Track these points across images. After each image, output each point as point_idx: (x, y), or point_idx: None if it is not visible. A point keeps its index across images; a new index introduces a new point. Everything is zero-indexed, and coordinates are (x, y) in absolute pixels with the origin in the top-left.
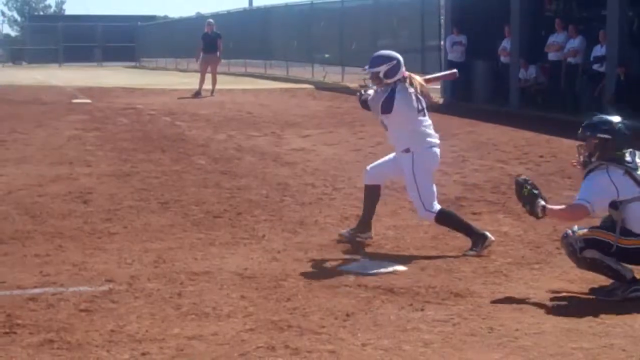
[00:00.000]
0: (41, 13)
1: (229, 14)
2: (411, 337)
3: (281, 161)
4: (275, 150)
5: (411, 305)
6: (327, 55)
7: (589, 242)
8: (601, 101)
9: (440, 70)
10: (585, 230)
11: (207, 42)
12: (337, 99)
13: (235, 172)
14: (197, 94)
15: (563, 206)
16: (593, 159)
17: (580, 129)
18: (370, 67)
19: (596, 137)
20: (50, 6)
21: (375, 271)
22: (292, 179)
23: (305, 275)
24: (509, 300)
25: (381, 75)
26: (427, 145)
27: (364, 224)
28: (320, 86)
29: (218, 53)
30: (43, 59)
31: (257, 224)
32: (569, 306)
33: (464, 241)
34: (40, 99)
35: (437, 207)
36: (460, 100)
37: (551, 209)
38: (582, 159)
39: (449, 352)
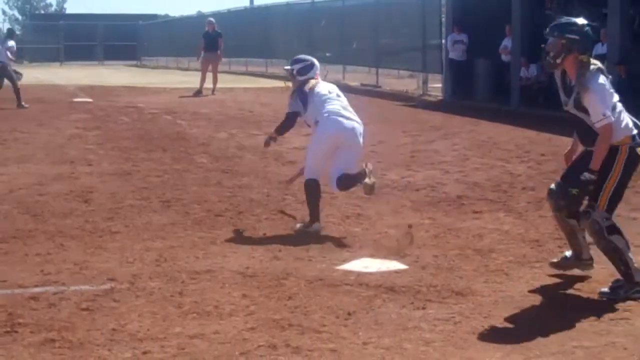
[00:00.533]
0: (42, 12)
1: (230, 13)
2: (412, 335)
3: (282, 160)
4: (277, 149)
5: (412, 304)
6: (328, 54)
7: (614, 228)
8: None
9: (442, 69)
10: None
11: (208, 41)
12: None
13: (236, 170)
14: (198, 92)
15: (599, 147)
16: (558, 60)
17: (547, 29)
18: (289, 66)
19: (564, 37)
20: (51, 5)
21: (376, 270)
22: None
23: (306, 274)
24: (510, 298)
25: (294, 72)
26: (330, 114)
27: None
28: None
29: (219, 52)
30: (44, 58)
31: (259, 223)
32: (570, 305)
33: (466, 240)
34: (41, 98)
35: (312, 176)
36: (461, 99)
37: (596, 161)
38: (548, 60)
39: (450, 351)
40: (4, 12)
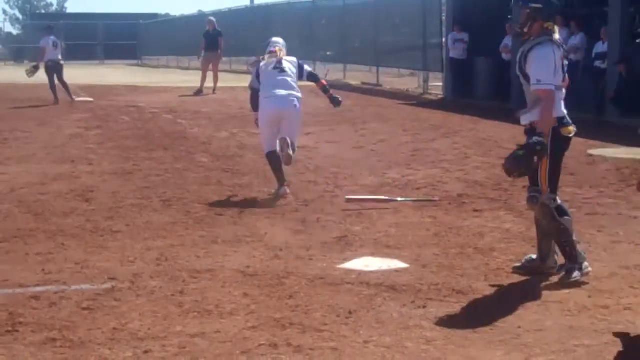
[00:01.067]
0: (43, 11)
1: (231, 12)
2: (413, 334)
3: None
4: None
5: (413, 302)
6: (329, 53)
7: (561, 209)
8: (603, 98)
9: (442, 68)
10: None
11: (208, 40)
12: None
13: (237, 169)
14: (198, 92)
15: (536, 109)
16: (525, 29)
17: (513, 0)
18: None
19: (528, 7)
20: (52, 4)
21: (377, 269)
22: (294, 177)
23: (307, 273)
24: (511, 297)
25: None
26: (264, 95)
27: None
28: None
29: (219, 51)
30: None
31: (259, 222)
32: (571, 303)
33: (466, 238)
34: (42, 98)
35: (268, 149)
36: (461, 98)
37: (542, 123)
38: (516, 30)
39: (451, 349)
40: (4, 12)
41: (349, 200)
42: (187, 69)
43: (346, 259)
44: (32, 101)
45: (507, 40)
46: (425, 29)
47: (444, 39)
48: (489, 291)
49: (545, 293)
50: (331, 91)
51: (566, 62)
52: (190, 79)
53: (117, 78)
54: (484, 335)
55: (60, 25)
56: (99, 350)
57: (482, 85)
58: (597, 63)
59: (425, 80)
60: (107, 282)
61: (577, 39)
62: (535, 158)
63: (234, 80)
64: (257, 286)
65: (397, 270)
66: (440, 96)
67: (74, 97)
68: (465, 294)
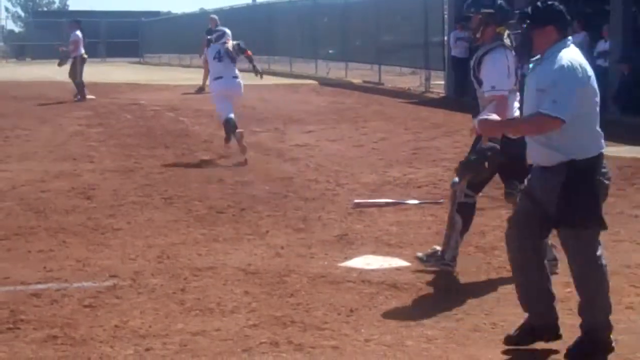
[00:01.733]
0: (45, 9)
1: (233, 10)
2: (414, 332)
3: (284, 157)
4: (279, 146)
5: (414, 301)
6: (330, 51)
7: (464, 208)
8: (605, 97)
9: (444, 66)
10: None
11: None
12: (340, 95)
13: (238, 167)
14: (200, 89)
15: (493, 116)
16: (478, 34)
17: (465, 6)
18: None
19: (480, 12)
20: (54, 2)
21: (378, 267)
22: (295, 175)
23: (308, 271)
24: (512, 295)
25: None
26: (214, 78)
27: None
28: (324, 82)
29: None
30: (47, 55)
31: (261, 220)
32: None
33: (468, 237)
34: (43, 95)
35: (224, 117)
36: (463, 96)
37: (510, 125)
38: (470, 35)
39: (452, 348)
40: (6, 10)
41: (357, 205)
42: (188, 66)
43: (347, 257)
44: (33, 99)
45: None
46: (427, 27)
47: (445, 37)
48: (490, 289)
49: None
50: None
51: (518, 66)
52: (192, 77)
53: (119, 76)
54: (484, 334)
55: (62, 23)
56: (100, 348)
57: None
58: (599, 62)
59: (427, 79)
60: (108, 280)
61: (579, 38)
62: (487, 163)
63: None
64: (258, 284)
65: (398, 269)
66: (441, 94)
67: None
68: (467, 292)
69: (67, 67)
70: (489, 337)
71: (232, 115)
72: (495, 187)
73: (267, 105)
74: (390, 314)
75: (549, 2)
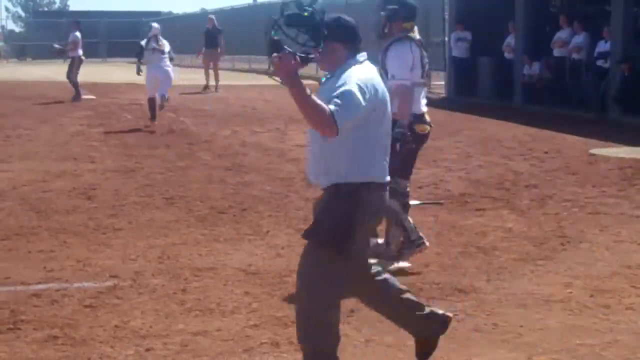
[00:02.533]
0: (45, 9)
1: (234, 10)
2: None
3: (286, 157)
4: (280, 146)
5: None
6: None
7: (391, 192)
8: (605, 97)
9: (445, 67)
10: None
11: (208, 37)
12: None
13: (239, 167)
14: (205, 88)
15: (400, 107)
16: (385, 30)
17: (377, 6)
18: None
19: (385, 8)
20: (54, 2)
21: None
22: (296, 175)
23: None
24: (513, 296)
25: None
26: (148, 65)
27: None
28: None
29: (219, 49)
30: (47, 55)
31: (262, 220)
32: (573, 302)
33: (469, 237)
34: (44, 95)
35: (150, 96)
36: (464, 97)
37: (402, 116)
38: (378, 32)
39: (453, 348)
40: (7, 9)
41: None
42: (189, 66)
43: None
44: (34, 98)
45: (510, 39)
46: (428, 27)
47: (446, 38)
48: (491, 290)
49: (547, 292)
50: None
51: (426, 61)
52: (192, 77)
53: (119, 76)
54: (485, 335)
55: (63, 23)
56: (101, 348)
57: (485, 84)
58: (600, 62)
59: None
60: (109, 280)
61: (580, 38)
62: (398, 146)
63: (236, 78)
64: (259, 284)
65: (399, 269)
66: (442, 95)
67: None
68: (467, 293)
69: (59, 68)
70: (490, 337)
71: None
72: (495, 188)
73: (268, 106)
74: None
75: (336, 18)
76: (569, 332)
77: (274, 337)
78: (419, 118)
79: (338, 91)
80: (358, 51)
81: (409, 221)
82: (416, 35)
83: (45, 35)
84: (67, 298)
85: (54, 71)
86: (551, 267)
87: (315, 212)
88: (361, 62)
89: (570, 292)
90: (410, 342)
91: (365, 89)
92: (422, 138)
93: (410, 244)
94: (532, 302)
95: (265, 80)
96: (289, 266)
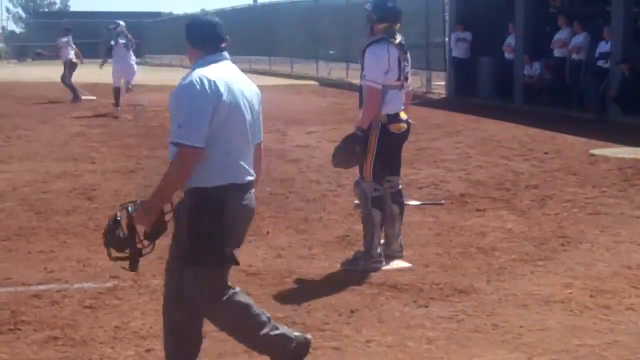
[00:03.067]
0: (46, 9)
1: (234, 10)
2: (415, 333)
3: (286, 158)
4: (280, 147)
5: (415, 302)
6: (331, 52)
7: (378, 201)
8: (606, 97)
9: (445, 67)
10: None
11: None
12: (341, 96)
13: None
14: None
15: (364, 108)
16: (367, 31)
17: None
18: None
19: (366, 10)
20: (55, 3)
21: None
22: (296, 176)
23: (309, 272)
24: (513, 297)
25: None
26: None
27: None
28: (325, 82)
29: None
30: (48, 56)
31: (262, 221)
32: (573, 303)
33: (469, 238)
34: (44, 96)
35: (115, 84)
36: (464, 97)
37: (363, 120)
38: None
39: (453, 349)
40: (7, 10)
41: (358, 206)
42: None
43: (348, 258)
44: (34, 99)
45: (510, 39)
46: (428, 27)
47: (447, 38)
48: (491, 291)
49: (547, 293)
50: None
51: (406, 64)
52: None
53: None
54: (486, 335)
55: (63, 24)
56: (101, 349)
57: (485, 84)
58: (600, 62)
59: (428, 80)
60: (109, 281)
61: (580, 38)
62: (357, 148)
63: None
64: (259, 285)
65: (399, 270)
66: (442, 95)
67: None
68: (467, 293)
69: (60, 69)
70: (490, 338)
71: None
72: (495, 189)
73: (268, 106)
74: (391, 315)
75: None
76: (569, 333)
77: None
78: (393, 117)
79: (176, 102)
80: (213, 52)
81: (378, 237)
82: (397, 37)
83: (45, 36)
84: (67, 299)
85: (54, 72)
86: (551, 267)
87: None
88: (216, 62)
89: (571, 293)
90: (411, 343)
91: (209, 85)
92: (400, 136)
93: (367, 256)
94: (532, 302)
95: (265, 80)
96: (289, 267)
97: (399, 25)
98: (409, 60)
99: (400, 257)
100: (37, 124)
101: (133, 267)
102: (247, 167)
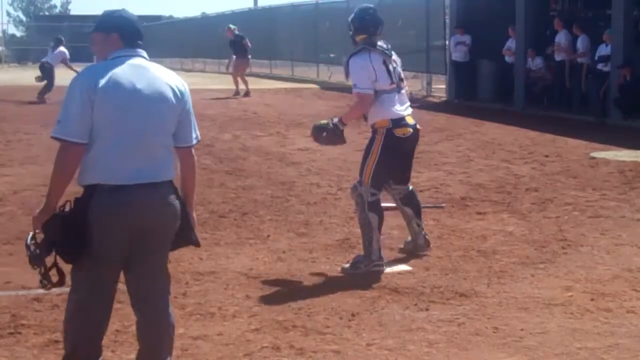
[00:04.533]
0: (46, 13)
1: (234, 14)
2: (416, 337)
3: (286, 161)
4: (281, 150)
5: (416, 305)
6: (332, 55)
7: (375, 205)
8: (606, 100)
9: (445, 70)
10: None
11: (234, 47)
12: (342, 99)
13: (240, 172)
14: (246, 94)
15: (350, 109)
16: (354, 39)
17: None
18: None
19: (348, 21)
20: (55, 6)
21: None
22: (297, 179)
23: (310, 275)
24: (513, 300)
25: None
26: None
27: None
28: (326, 86)
29: (243, 55)
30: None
31: (263, 224)
32: (573, 306)
33: (469, 241)
34: (46, 99)
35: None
36: (465, 100)
37: (346, 115)
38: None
39: (454, 352)
40: (8, 14)
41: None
42: (190, 71)
43: (349, 262)
44: (35, 103)
45: (510, 43)
46: (429, 31)
47: (447, 42)
48: (492, 294)
49: (548, 296)
50: None
51: (393, 66)
52: (194, 81)
53: None
54: (486, 338)
55: (64, 27)
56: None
57: (485, 88)
58: (600, 66)
59: (428, 83)
60: None
61: (580, 42)
62: (324, 134)
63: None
64: (259, 288)
65: (400, 273)
66: (443, 98)
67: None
68: (468, 296)
69: (60, 73)
70: (490, 341)
71: None
72: (495, 192)
73: (269, 110)
74: (391, 318)
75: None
76: (569, 336)
77: (275, 341)
78: (397, 122)
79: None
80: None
81: (377, 240)
82: (381, 44)
83: (46, 39)
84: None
85: (55, 76)
86: (552, 270)
87: None
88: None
89: (571, 296)
90: (412, 346)
91: (79, 81)
92: (407, 141)
93: (367, 260)
94: (533, 305)
95: (266, 84)
96: (290, 270)
97: (378, 35)
98: (398, 61)
99: (427, 251)
100: (38, 128)
101: (43, 283)
102: (124, 169)
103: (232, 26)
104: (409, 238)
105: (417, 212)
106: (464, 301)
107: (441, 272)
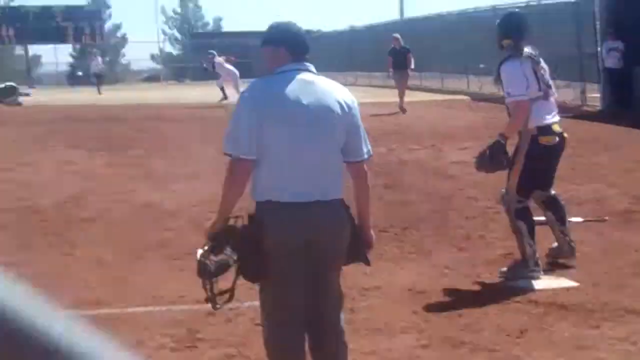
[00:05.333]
0: (200, 31)
1: (381, 25)
2: (589, 355)
3: (443, 174)
4: (436, 164)
5: (585, 322)
6: (482, 66)
7: (522, 213)
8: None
9: (599, 78)
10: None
11: (394, 57)
12: (493, 110)
13: (398, 185)
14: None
15: (511, 120)
16: (497, 45)
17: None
18: None
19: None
20: (208, 23)
21: (545, 287)
22: (455, 193)
23: (474, 290)
24: None
25: None
26: None
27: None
28: (477, 97)
29: (408, 69)
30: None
31: (423, 239)
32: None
33: (637, 255)
34: (201, 115)
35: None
36: (621, 109)
37: (507, 128)
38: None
39: None
40: (164, 32)
41: None
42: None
43: (507, 267)
44: (194, 119)
45: None
46: (579, 38)
47: (599, 48)
48: None
49: None
50: None
51: (542, 72)
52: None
53: None
54: None
55: (215, 43)
56: None
57: None
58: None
59: (582, 92)
60: None
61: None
62: (503, 158)
63: (388, 95)
64: (425, 304)
65: (566, 289)
66: (598, 108)
67: None
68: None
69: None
70: None
71: None
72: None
73: (422, 122)
74: (561, 336)
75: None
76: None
77: (444, 357)
78: (543, 130)
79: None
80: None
81: (530, 246)
82: (526, 49)
83: (201, 56)
84: (240, 317)
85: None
86: None
87: None
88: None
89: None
90: (420, 351)
91: (250, 101)
92: (551, 150)
93: (524, 265)
94: None
95: (416, 96)
96: (455, 285)
97: (525, 40)
98: (546, 67)
99: (571, 258)
100: (200, 144)
101: (212, 302)
102: (295, 185)
103: (397, 35)
104: (555, 244)
105: (560, 218)
106: (636, 319)
107: (610, 288)
